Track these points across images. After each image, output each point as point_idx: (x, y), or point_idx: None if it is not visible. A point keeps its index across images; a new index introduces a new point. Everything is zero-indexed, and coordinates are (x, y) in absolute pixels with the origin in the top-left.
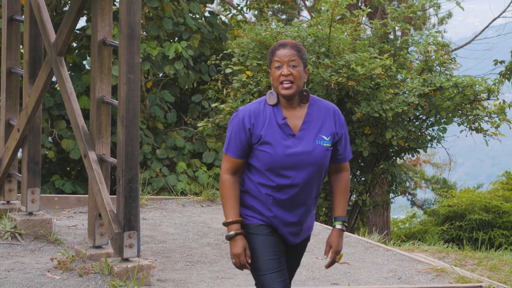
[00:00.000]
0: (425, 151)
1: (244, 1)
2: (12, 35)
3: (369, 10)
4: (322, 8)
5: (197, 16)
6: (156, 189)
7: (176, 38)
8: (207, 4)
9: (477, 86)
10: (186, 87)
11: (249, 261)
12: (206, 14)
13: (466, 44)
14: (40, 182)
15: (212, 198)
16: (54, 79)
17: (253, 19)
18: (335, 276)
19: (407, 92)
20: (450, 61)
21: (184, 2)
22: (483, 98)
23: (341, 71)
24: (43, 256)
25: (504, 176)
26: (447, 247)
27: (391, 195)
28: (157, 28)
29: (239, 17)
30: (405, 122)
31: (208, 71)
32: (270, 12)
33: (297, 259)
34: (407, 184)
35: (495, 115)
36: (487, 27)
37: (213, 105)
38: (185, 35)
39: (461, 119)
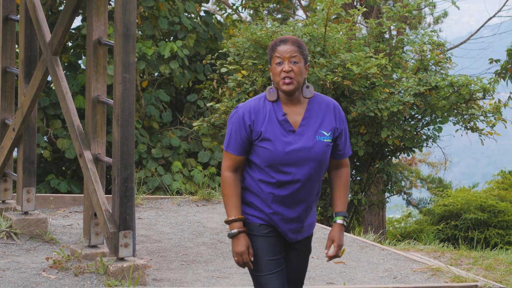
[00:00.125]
0: (421, 151)
1: (240, 1)
2: (7, 34)
3: (365, 9)
4: (318, 7)
5: (193, 15)
6: (152, 189)
7: (172, 38)
8: (202, 4)
9: (472, 85)
10: (182, 86)
11: (252, 259)
12: (202, 13)
13: (461, 43)
14: (36, 181)
15: (208, 198)
16: (49, 78)
17: (249, 18)
18: (331, 275)
19: (402, 91)
20: (445, 60)
21: (179, 1)
22: (478, 98)
23: (336, 70)
24: (38, 255)
25: (500, 175)
26: (443, 246)
27: (387, 194)
28: (152, 27)
29: (235, 17)
30: (401, 122)
31: (204, 70)
32: (266, 12)
33: (302, 260)
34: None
35: (491, 115)
36: (482, 26)
37: (208, 105)
38: (181, 34)
39: (456, 119)
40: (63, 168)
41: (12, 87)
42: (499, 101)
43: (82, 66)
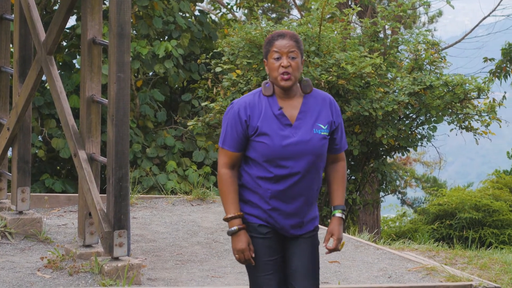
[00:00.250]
0: (415, 150)
1: (234, 0)
2: (1, 34)
3: (359, 8)
4: (312, 6)
5: (187, 14)
6: (146, 188)
7: (166, 37)
8: (197, 3)
9: (467, 84)
10: (176, 86)
11: (253, 255)
12: (196, 13)
13: (456, 42)
14: (30, 181)
15: (202, 197)
16: (44, 78)
17: (243, 17)
18: (325, 275)
19: (397, 90)
20: (440, 59)
21: (174, 1)
22: (473, 97)
23: (331, 69)
24: (33, 255)
25: (494, 174)
26: (437, 245)
27: (381, 193)
28: (147, 26)
29: (229, 16)
30: (395, 121)
31: (198, 70)
32: (260, 11)
33: (310, 251)
34: (397, 182)
35: (485, 114)
36: (477, 25)
37: (203, 104)
38: (175, 33)
39: (451, 118)
40: (58, 167)
41: (7, 87)
42: (494, 100)
43: (77, 66)
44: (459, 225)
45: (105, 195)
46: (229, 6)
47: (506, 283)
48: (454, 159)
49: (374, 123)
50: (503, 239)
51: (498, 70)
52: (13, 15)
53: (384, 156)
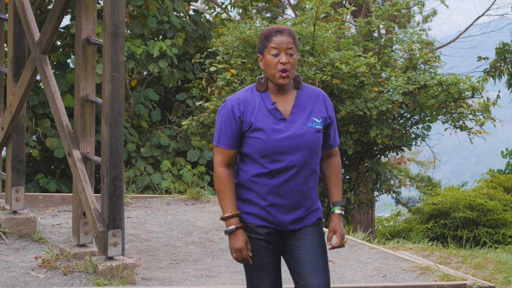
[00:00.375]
0: (410, 149)
1: None
2: None
3: (354, 8)
4: (307, 6)
5: (182, 14)
6: (141, 188)
7: (161, 37)
8: (191, 2)
9: (461, 84)
10: (171, 85)
11: (251, 254)
12: (191, 12)
13: (450, 42)
14: (25, 180)
15: (197, 197)
16: (38, 77)
17: (238, 17)
18: None
19: (391, 90)
20: (434, 59)
21: (168, 0)
22: (467, 96)
23: (325, 69)
24: (27, 254)
25: (489, 174)
26: (432, 245)
27: (376, 193)
28: (141, 26)
29: (224, 15)
30: (390, 120)
31: (193, 69)
32: (255, 10)
33: (316, 242)
34: (392, 182)
35: (480, 113)
36: (471, 25)
37: (197, 104)
38: (170, 33)
39: (445, 117)
40: (52, 167)
41: (1, 86)
42: (488, 99)
43: (71, 65)
44: (454, 225)
45: (100, 194)
46: (223, 6)
47: (500, 282)
48: (449, 159)
49: (369, 122)
50: (497, 238)
51: (492, 70)
52: (7, 15)
53: (378, 156)
